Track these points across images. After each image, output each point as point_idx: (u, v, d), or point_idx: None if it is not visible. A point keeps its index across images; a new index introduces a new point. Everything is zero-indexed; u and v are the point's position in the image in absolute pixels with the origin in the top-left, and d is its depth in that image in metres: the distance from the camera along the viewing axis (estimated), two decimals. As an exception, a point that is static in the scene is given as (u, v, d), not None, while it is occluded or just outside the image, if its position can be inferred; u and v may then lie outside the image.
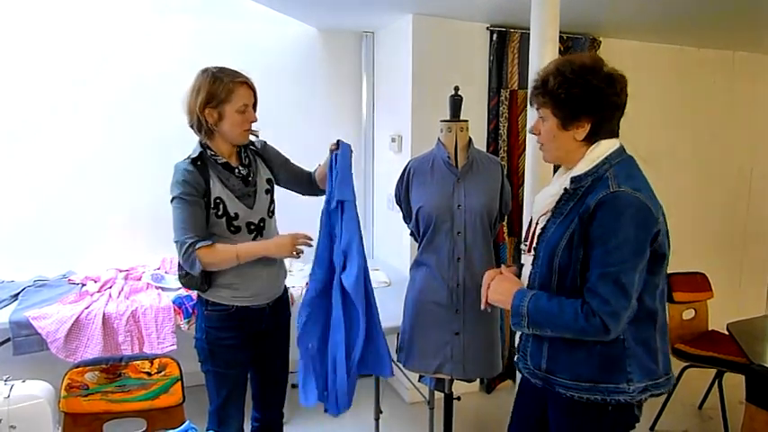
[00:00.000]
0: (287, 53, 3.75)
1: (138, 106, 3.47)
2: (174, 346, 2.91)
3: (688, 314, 3.43)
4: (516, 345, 1.83)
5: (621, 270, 1.47)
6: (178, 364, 2.33)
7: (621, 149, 1.61)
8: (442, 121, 2.37)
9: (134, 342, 2.88)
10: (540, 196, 1.74)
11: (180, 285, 3.20)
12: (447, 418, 2.61)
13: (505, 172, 2.45)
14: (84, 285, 3.18)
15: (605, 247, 1.48)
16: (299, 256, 2.15)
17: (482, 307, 1.81)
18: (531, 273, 1.70)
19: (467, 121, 2.37)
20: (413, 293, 2.39)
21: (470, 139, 2.39)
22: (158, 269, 3.47)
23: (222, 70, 2.03)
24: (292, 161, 2.40)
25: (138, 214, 3.53)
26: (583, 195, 1.57)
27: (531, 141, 2.57)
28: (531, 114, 2.51)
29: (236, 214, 2.06)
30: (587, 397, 1.57)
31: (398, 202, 2.46)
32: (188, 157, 2.06)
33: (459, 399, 2.66)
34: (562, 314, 1.53)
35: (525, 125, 2.68)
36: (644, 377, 1.57)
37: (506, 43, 3.48)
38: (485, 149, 3.49)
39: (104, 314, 2.85)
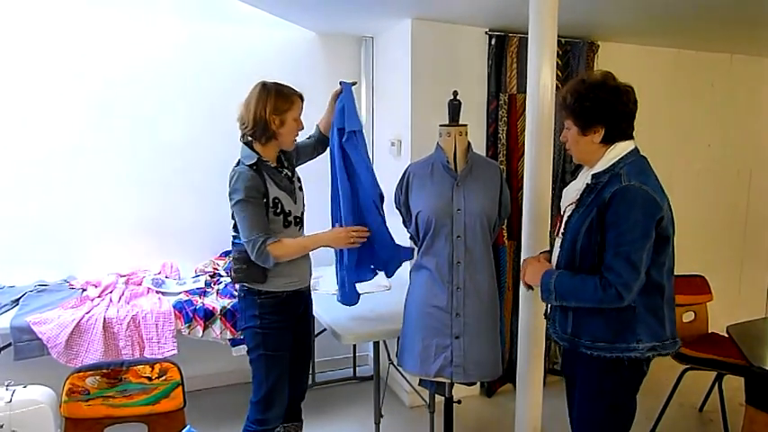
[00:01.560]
0: (286, 57, 3.76)
1: (140, 112, 3.48)
2: (175, 351, 2.92)
3: (688, 317, 3.43)
4: (546, 315, 2.16)
5: (632, 249, 1.77)
6: (179, 369, 2.34)
7: (635, 151, 1.91)
8: (441, 125, 2.38)
9: (135, 347, 2.89)
10: (568, 190, 2.05)
11: (180, 290, 3.25)
12: (447, 422, 2.61)
13: (504, 176, 2.46)
14: (84, 290, 3.19)
15: (618, 231, 1.78)
16: (357, 245, 2.44)
17: (521, 286, 2.19)
18: (558, 254, 2.02)
19: (466, 125, 2.38)
20: (413, 297, 2.40)
21: (469, 143, 2.40)
22: (159, 274, 3.48)
23: (281, 85, 2.33)
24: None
25: (139, 219, 3.54)
26: (602, 189, 1.86)
27: (530, 145, 2.58)
28: (531, 118, 2.54)
29: (290, 211, 2.35)
30: (605, 355, 1.89)
31: (398, 207, 2.47)
32: (240, 163, 2.27)
33: (459, 402, 2.66)
34: (584, 287, 1.85)
35: (524, 129, 2.69)
36: (652, 339, 1.88)
37: (505, 47, 3.49)
38: (484, 153, 3.50)
39: (105, 319, 2.85)
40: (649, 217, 1.78)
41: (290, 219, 2.35)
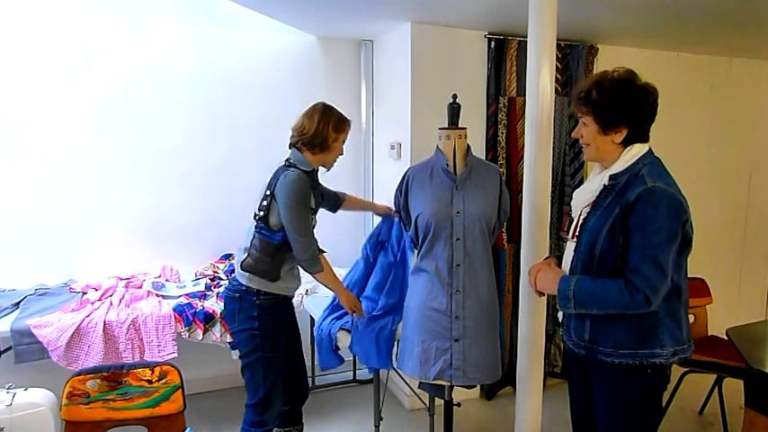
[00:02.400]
0: (286, 61, 3.78)
1: (140, 116, 3.49)
2: (175, 354, 2.92)
3: (688, 319, 3.43)
4: (560, 321, 2.06)
5: (659, 252, 1.70)
6: (179, 372, 2.34)
7: (651, 152, 1.86)
8: (440, 128, 2.39)
9: (135, 350, 2.89)
10: (580, 192, 1.98)
11: (180, 293, 3.25)
12: (447, 425, 2.61)
13: (504, 179, 2.47)
14: (84, 293, 3.19)
15: (644, 233, 1.71)
16: (352, 314, 2.58)
17: (521, 289, 2.10)
18: (573, 258, 1.92)
19: (465, 128, 2.38)
20: (413, 300, 2.40)
21: (469, 146, 2.40)
22: (159, 277, 3.48)
23: (339, 111, 2.51)
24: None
25: (139, 222, 3.55)
26: (621, 190, 1.80)
27: (529, 148, 2.59)
28: (530, 121, 2.54)
29: (315, 223, 2.49)
30: (627, 362, 1.81)
31: (398, 210, 2.48)
32: (295, 166, 2.40)
33: (459, 405, 2.66)
34: (608, 292, 1.76)
35: (524, 132, 2.70)
36: (673, 343, 1.81)
37: (504, 51, 3.50)
38: (483, 156, 3.51)
39: (105, 322, 2.85)
40: (676, 219, 1.73)
41: (313, 231, 2.47)
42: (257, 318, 2.37)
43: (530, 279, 2.04)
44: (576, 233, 1.91)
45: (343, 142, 2.54)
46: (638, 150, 1.82)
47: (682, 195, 1.77)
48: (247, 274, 2.39)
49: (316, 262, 2.39)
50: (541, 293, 2.08)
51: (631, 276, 1.72)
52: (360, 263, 2.81)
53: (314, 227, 2.47)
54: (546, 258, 2.16)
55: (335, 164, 2.58)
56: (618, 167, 1.83)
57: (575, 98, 1.91)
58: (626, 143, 1.83)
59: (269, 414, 2.42)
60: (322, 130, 2.42)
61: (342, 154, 2.56)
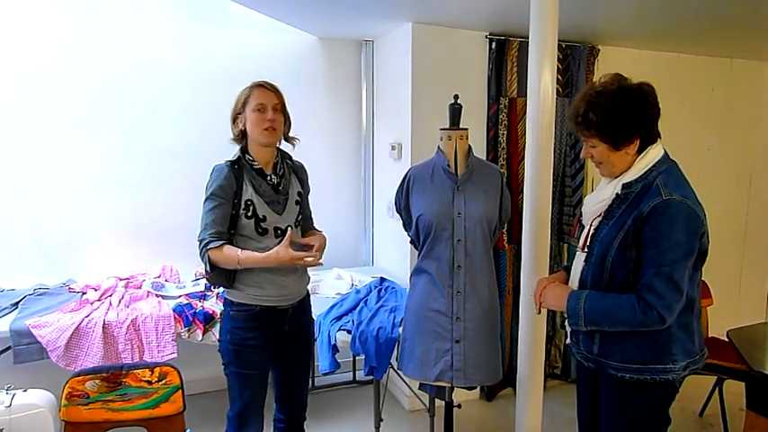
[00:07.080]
0: (286, 61, 3.77)
1: (137, 116, 3.49)
2: (175, 354, 2.91)
3: (688, 321, 3.42)
4: (568, 332, 1.98)
5: (674, 269, 1.65)
6: (179, 373, 2.34)
7: (666, 156, 1.81)
8: (441, 129, 2.39)
9: (134, 350, 2.88)
10: (591, 200, 1.92)
11: (179, 294, 3.24)
12: (447, 426, 2.60)
13: (505, 179, 2.46)
14: (84, 294, 3.18)
15: (659, 249, 1.65)
16: (304, 266, 2.23)
17: (536, 312, 2.04)
18: (583, 268, 1.86)
19: (466, 129, 2.38)
20: (413, 301, 2.39)
21: (470, 146, 2.40)
22: (158, 277, 3.47)
23: (252, 82, 2.23)
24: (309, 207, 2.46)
25: (139, 222, 3.54)
26: (634, 199, 1.74)
27: (530, 149, 2.58)
28: (531, 122, 2.53)
29: (264, 217, 2.17)
30: (637, 377, 1.76)
31: (399, 210, 2.47)
32: (228, 160, 2.20)
33: (459, 406, 2.66)
34: (619, 310, 1.71)
35: (525, 133, 2.70)
36: (686, 357, 1.76)
37: (505, 51, 3.50)
38: (484, 157, 3.51)
39: (105, 322, 2.84)
40: (692, 235, 1.68)
41: (266, 226, 2.16)
42: (230, 330, 2.19)
43: (535, 294, 1.99)
44: (587, 244, 1.86)
45: (258, 110, 2.16)
46: (652, 156, 1.76)
47: (699, 205, 1.71)
48: None
49: (205, 261, 2.11)
50: (539, 311, 2.02)
51: (645, 294, 1.66)
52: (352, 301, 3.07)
53: (266, 224, 2.17)
54: (555, 272, 2.11)
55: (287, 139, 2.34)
56: (632, 175, 1.77)
57: (572, 122, 1.84)
58: (640, 150, 1.77)
59: (247, 430, 2.26)
60: (233, 122, 2.25)
61: (272, 119, 2.19)
